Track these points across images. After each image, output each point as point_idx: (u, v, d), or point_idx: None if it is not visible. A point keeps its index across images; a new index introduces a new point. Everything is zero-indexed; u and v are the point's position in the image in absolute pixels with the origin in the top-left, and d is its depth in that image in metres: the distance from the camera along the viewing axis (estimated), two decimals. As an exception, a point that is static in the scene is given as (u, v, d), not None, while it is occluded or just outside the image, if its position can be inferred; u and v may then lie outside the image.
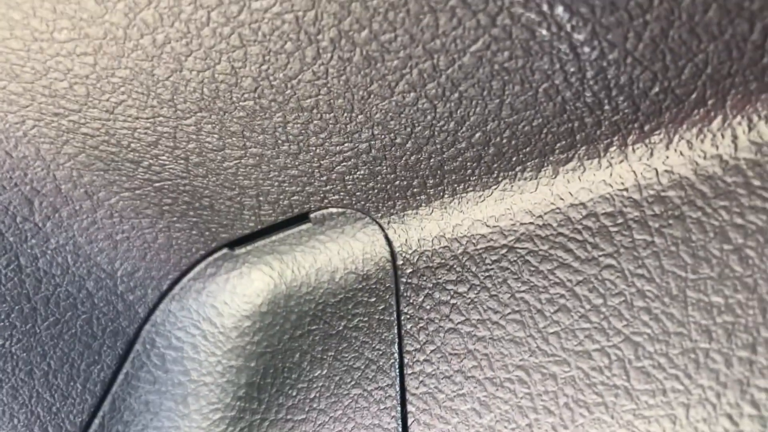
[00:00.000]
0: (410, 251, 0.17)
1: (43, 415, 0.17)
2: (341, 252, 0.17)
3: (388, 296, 0.17)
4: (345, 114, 0.15)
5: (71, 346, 0.17)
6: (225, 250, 0.18)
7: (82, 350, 0.17)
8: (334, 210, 0.17)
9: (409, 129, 0.15)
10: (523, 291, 0.15)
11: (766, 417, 0.13)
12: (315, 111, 0.15)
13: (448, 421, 0.16)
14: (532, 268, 0.15)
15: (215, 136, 0.15)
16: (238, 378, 0.17)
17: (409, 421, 0.16)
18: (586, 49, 0.13)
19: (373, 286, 0.17)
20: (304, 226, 0.17)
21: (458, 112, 0.15)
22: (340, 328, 0.17)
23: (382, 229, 0.17)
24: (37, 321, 0.16)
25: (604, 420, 0.14)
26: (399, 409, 0.16)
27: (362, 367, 0.17)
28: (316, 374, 0.17)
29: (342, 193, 0.17)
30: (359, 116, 0.15)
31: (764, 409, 0.13)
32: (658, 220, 0.15)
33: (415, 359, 0.16)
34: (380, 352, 0.17)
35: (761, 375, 0.14)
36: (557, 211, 0.15)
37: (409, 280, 0.16)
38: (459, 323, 0.16)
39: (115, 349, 0.17)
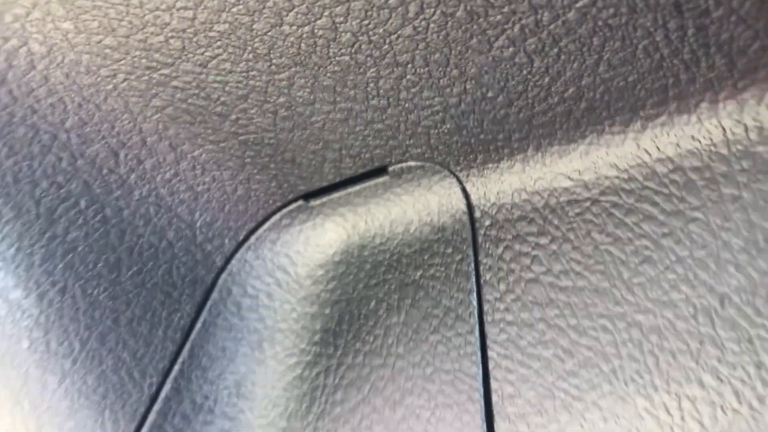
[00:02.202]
0: (489, 204, 0.17)
1: (128, 361, 0.17)
2: (416, 204, 0.17)
3: (465, 247, 0.17)
4: (439, 68, 0.15)
5: (153, 294, 0.17)
6: (300, 202, 0.18)
7: (163, 299, 0.17)
8: (413, 163, 0.17)
9: (502, 83, 0.15)
10: (608, 243, 0.16)
11: None
12: (410, 66, 0.15)
13: (529, 366, 0.16)
14: (617, 221, 0.16)
15: (307, 90, 0.15)
16: (312, 324, 0.18)
17: (491, 366, 0.16)
18: (691, 6, 0.13)
19: (450, 238, 0.17)
20: (381, 179, 0.18)
21: (554, 67, 0.15)
22: (416, 277, 0.17)
23: (460, 182, 0.17)
24: (121, 270, 0.17)
25: (690, 366, 0.15)
26: (479, 354, 0.16)
27: (440, 315, 0.17)
28: (392, 321, 0.18)
29: (424, 147, 0.17)
30: (453, 71, 0.15)
31: None
32: (746, 174, 0.15)
33: (495, 308, 0.16)
34: (458, 301, 0.17)
35: None
36: (643, 165, 0.16)
37: (488, 232, 0.17)
38: (541, 274, 0.16)
39: (194, 297, 0.18)
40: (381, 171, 0.18)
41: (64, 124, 0.17)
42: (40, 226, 0.16)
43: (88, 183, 0.17)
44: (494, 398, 0.17)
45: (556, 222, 0.17)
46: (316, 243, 0.19)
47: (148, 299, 0.18)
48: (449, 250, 0.18)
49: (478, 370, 0.17)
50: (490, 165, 0.17)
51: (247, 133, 0.17)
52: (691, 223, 0.16)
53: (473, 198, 0.17)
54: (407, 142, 0.17)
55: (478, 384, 0.17)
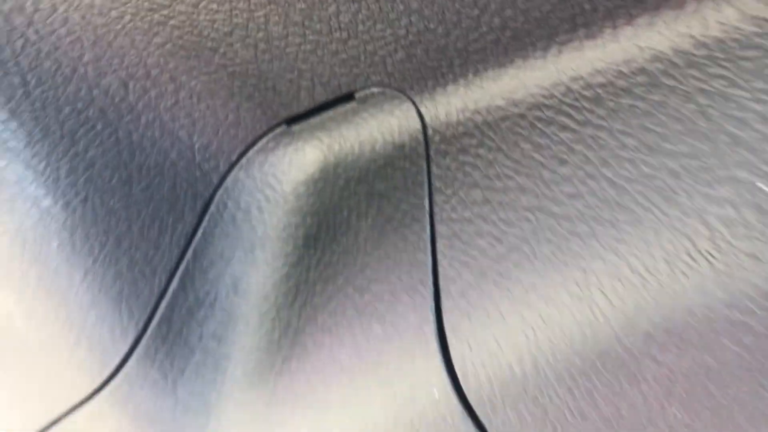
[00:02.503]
0: (439, 123, 0.21)
1: (140, 261, 0.21)
2: (380, 126, 0.21)
3: (420, 161, 0.21)
4: (388, 4, 0.19)
5: (160, 205, 0.21)
6: (283, 127, 0.21)
7: (168, 209, 0.21)
8: (375, 90, 0.21)
9: (440, 16, 0.19)
10: (532, 150, 0.19)
11: (715, 234, 0.18)
12: (363, 2, 0.18)
13: (468, 254, 0.20)
14: (539, 131, 0.19)
15: (280, 25, 0.19)
16: (296, 232, 0.21)
17: (439, 256, 0.20)
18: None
19: (407, 153, 0.21)
20: (349, 105, 0.21)
21: (481, 1, 0.18)
22: (381, 188, 0.21)
23: (415, 105, 0.21)
24: (133, 184, 0.20)
25: (593, 245, 0.18)
26: (429, 247, 0.20)
27: (400, 217, 0.21)
28: (361, 225, 0.21)
29: (383, 74, 0.20)
30: (400, 6, 0.19)
31: (714, 229, 0.18)
32: (640, 87, 0.19)
33: (442, 209, 0.20)
34: (414, 205, 0.21)
35: (716, 204, 0.19)
36: (561, 83, 0.19)
37: (438, 147, 0.20)
38: (479, 178, 0.20)
39: (195, 209, 0.21)
40: (349, 97, 0.22)
41: (82, 59, 0.20)
42: (64, 146, 0.20)
43: (103, 109, 0.20)
44: (441, 282, 0.21)
45: (491, 135, 0.20)
46: (297, 163, 0.22)
47: (155, 209, 0.21)
48: (407, 164, 0.22)
49: (429, 260, 0.21)
50: (439, 89, 0.21)
51: (234, 65, 0.20)
52: (598, 130, 0.19)
53: (426, 118, 0.21)
54: (368, 70, 0.21)
55: (429, 271, 0.21)
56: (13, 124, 0.19)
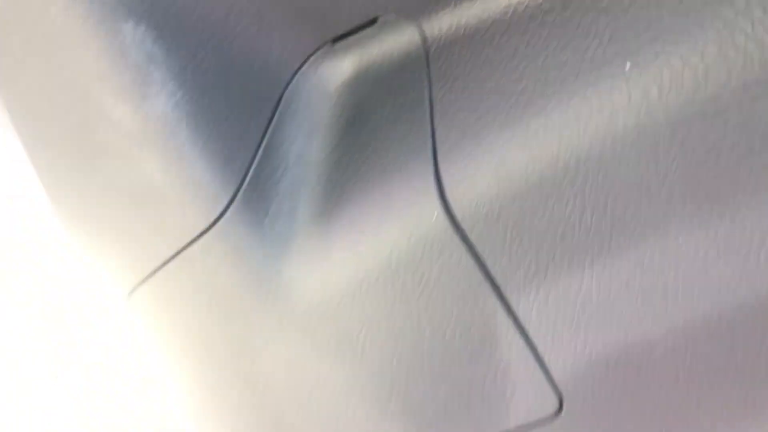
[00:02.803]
0: (440, 40, 0.31)
1: (238, 137, 0.31)
2: (395, 41, 0.31)
3: (422, 62, 0.31)
4: None
5: (249, 100, 0.31)
6: (329, 45, 0.32)
7: (254, 102, 0.31)
8: (391, 16, 0.31)
9: None
10: (525, 55, 0.29)
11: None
12: None
13: (462, 113, 0.29)
14: (532, 37, 0.28)
15: None
16: (340, 118, 0.32)
17: (436, 123, 0.30)
18: None
19: (414, 58, 0.31)
20: (374, 27, 0.32)
21: None
22: (396, 84, 0.31)
23: (419, 26, 0.31)
24: (231, 84, 0.31)
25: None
26: (429, 118, 0.30)
27: (410, 102, 0.31)
28: (384, 110, 0.31)
29: (397, 5, 0.31)
30: None
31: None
32: None
33: (443, 109, 0.30)
34: (418, 90, 0.31)
35: None
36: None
37: (438, 61, 0.30)
38: (474, 82, 0.30)
39: (271, 103, 0.32)
40: (373, 21, 0.32)
41: None
42: (189, 55, 0.31)
43: (214, 31, 0.31)
44: (438, 143, 0.31)
45: (488, 48, 0.30)
46: (339, 71, 0.33)
47: (245, 102, 0.32)
48: (414, 66, 0.32)
49: (428, 127, 0.31)
50: (441, 11, 0.31)
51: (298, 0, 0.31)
52: (580, 36, 0.28)
53: (427, 33, 0.31)
54: (387, 3, 0.31)
55: (428, 133, 0.31)
56: (160, 42, 0.30)
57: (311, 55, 0.31)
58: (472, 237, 0.28)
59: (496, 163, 0.27)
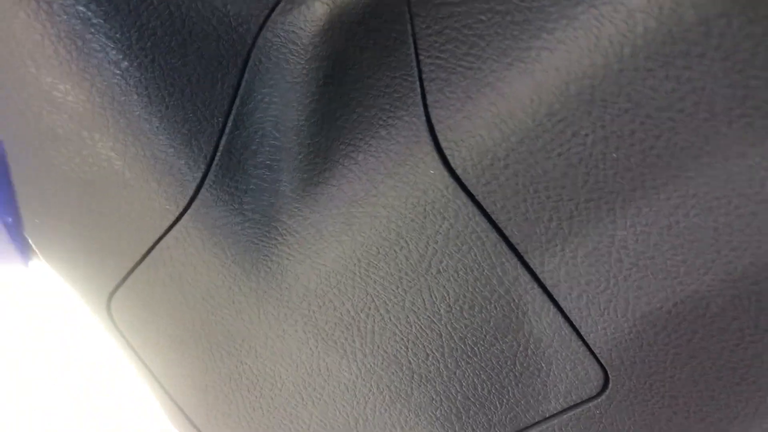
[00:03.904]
0: None
1: (201, 106, 0.27)
2: None
3: (403, 4, 0.26)
4: None
5: (210, 63, 0.27)
6: None
7: (217, 66, 0.27)
8: None
9: None
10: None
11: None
12: None
13: (445, 55, 0.25)
14: None
15: None
16: (317, 74, 0.27)
17: (422, 65, 0.25)
18: None
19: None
20: None
21: None
22: (375, 24, 0.27)
23: None
24: (187, 47, 0.27)
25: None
26: (414, 58, 0.25)
27: (391, 43, 0.26)
28: (364, 56, 0.27)
29: None
30: None
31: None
32: None
33: (428, 45, 0.25)
34: (400, 31, 0.26)
35: None
36: None
37: (420, 9, 0.26)
38: (460, 4, 0.25)
39: (237, 65, 0.28)
40: None
41: None
42: (132, 19, 0.26)
43: None
44: (426, 84, 0.26)
45: None
46: (310, 18, 0.29)
47: (207, 66, 0.28)
48: (393, 1, 0.27)
49: (415, 70, 0.26)
50: None
51: None
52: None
53: None
54: None
55: (416, 79, 0.26)
56: (93, 5, 0.26)
57: (276, 4, 0.27)
58: (479, 191, 0.24)
59: (495, 99, 0.22)
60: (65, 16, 0.25)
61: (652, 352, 0.26)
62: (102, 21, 0.25)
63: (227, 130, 0.28)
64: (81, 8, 0.25)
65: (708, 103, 0.21)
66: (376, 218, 0.27)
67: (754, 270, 0.23)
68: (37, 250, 0.32)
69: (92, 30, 0.25)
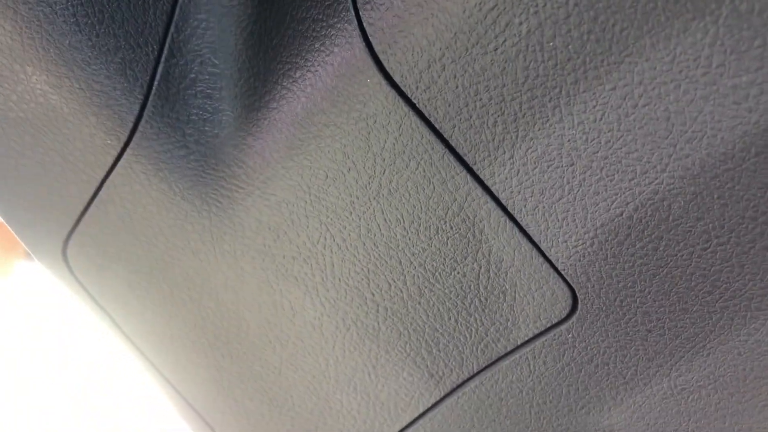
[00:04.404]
0: None
1: (134, 34, 0.26)
2: None
3: None
4: None
5: None
6: None
7: None
8: None
9: None
10: None
11: None
12: None
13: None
14: None
15: None
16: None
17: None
18: None
19: None
20: None
21: None
22: None
23: None
24: None
25: None
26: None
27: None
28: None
29: None
30: None
31: None
32: None
33: None
34: None
35: None
36: None
37: None
38: None
39: None
40: None
41: None
42: None
43: None
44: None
45: None
46: None
47: None
48: None
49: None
50: None
51: None
52: None
53: None
54: None
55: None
56: None
57: None
58: (419, 98, 0.22)
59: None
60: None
61: (618, 264, 0.25)
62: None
63: (163, 58, 0.27)
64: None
65: None
66: (320, 138, 0.26)
67: (711, 162, 0.21)
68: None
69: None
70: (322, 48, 0.25)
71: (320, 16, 0.25)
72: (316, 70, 0.25)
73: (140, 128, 0.27)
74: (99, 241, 0.31)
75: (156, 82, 0.27)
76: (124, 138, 0.27)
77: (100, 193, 0.29)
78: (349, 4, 0.24)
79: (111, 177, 0.28)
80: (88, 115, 0.27)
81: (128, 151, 0.28)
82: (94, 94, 0.26)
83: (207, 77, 0.27)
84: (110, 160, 0.28)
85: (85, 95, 0.26)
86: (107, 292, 0.33)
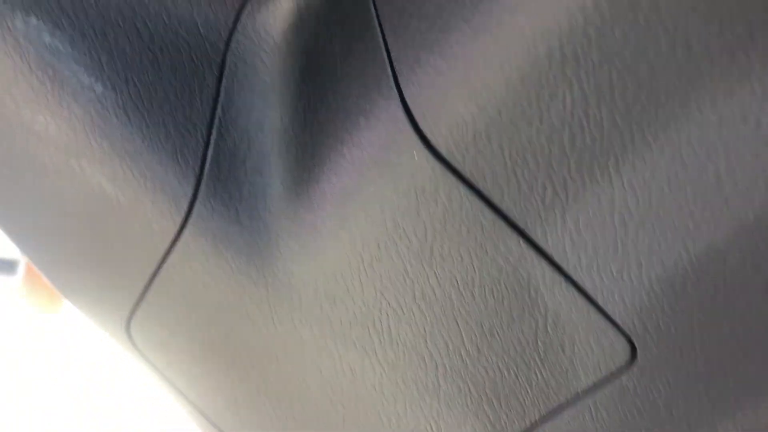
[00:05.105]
0: None
1: (182, 121, 0.27)
2: None
3: None
4: None
5: (185, 75, 0.27)
6: None
7: (192, 77, 0.27)
8: None
9: None
10: None
11: None
12: None
13: (412, 30, 0.24)
14: None
15: None
16: (293, 70, 0.27)
17: (397, 68, 0.24)
18: None
19: None
20: None
21: None
22: (341, 11, 0.26)
23: None
24: (159, 62, 0.26)
25: None
26: (381, 37, 0.24)
27: (357, 28, 0.25)
28: (334, 46, 0.26)
29: None
30: None
31: None
32: None
33: (393, 25, 0.25)
34: (364, 9, 0.25)
35: None
36: None
37: None
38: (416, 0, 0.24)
39: (213, 73, 0.27)
40: None
41: None
42: (99, 42, 0.26)
43: (120, 10, 0.27)
44: (396, 65, 0.25)
45: None
46: (279, 15, 0.28)
47: (183, 79, 0.28)
48: None
49: (383, 49, 0.25)
50: None
51: None
52: None
53: None
54: None
55: (384, 58, 0.25)
56: (58, 33, 0.26)
57: (242, 7, 0.26)
58: (466, 170, 0.23)
59: (465, 71, 0.21)
60: (32, 48, 0.25)
61: (676, 315, 0.25)
62: (69, 48, 0.25)
63: (212, 140, 0.28)
64: (47, 38, 0.25)
65: (684, 43, 0.20)
66: (370, 210, 0.26)
67: (766, 215, 0.21)
68: (53, 287, 0.32)
69: (61, 58, 0.25)
70: (366, 124, 0.25)
71: (362, 93, 0.25)
72: (362, 145, 0.26)
73: (195, 210, 0.28)
74: (160, 317, 0.32)
75: (207, 164, 0.28)
76: (179, 220, 0.28)
77: (160, 272, 0.30)
78: (391, 81, 0.24)
79: (169, 257, 0.29)
80: (144, 202, 0.28)
81: (185, 232, 0.28)
82: (148, 182, 0.27)
83: (256, 154, 0.28)
84: (167, 242, 0.29)
85: (139, 184, 0.27)
86: (170, 362, 0.34)
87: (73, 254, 0.31)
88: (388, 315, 0.29)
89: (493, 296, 0.27)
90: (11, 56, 0.25)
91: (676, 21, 0.19)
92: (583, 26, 0.21)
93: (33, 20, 0.25)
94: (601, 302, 0.26)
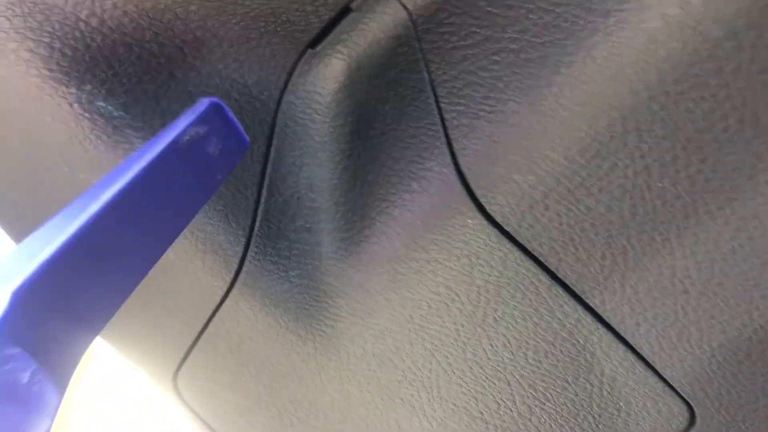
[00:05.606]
0: (419, 8, 0.25)
1: (234, 181, 0.27)
2: (379, 26, 0.26)
3: (413, 42, 0.25)
4: None
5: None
6: (309, 51, 0.27)
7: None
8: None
9: None
10: (514, 7, 0.23)
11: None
12: None
13: (467, 101, 0.24)
14: None
15: None
16: (343, 130, 0.27)
17: (444, 112, 0.24)
18: None
19: (404, 40, 0.25)
20: (351, 16, 0.26)
21: None
22: (392, 75, 0.26)
23: (399, 1, 0.25)
24: None
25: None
26: (435, 106, 0.24)
27: (410, 93, 0.25)
28: (386, 108, 0.26)
29: None
30: None
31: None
32: None
33: (447, 91, 0.24)
34: (418, 79, 0.25)
35: None
36: None
37: (423, 26, 0.25)
38: (473, 48, 0.24)
39: (264, 133, 0.27)
40: (347, 9, 0.27)
41: (144, 37, 0.27)
42: (151, 106, 0.27)
43: (172, 73, 0.27)
44: (450, 132, 0.25)
45: (481, 2, 0.24)
46: (329, 76, 0.28)
47: None
48: (405, 49, 0.26)
49: (437, 118, 0.25)
50: None
51: (251, 10, 0.26)
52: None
53: (409, 7, 0.26)
54: None
55: (440, 127, 0.25)
56: (112, 99, 0.26)
57: (293, 67, 0.26)
58: (523, 236, 0.22)
59: (522, 141, 0.21)
60: (87, 114, 0.25)
61: (738, 382, 0.24)
62: (123, 113, 0.25)
63: (262, 199, 0.27)
64: (100, 104, 0.25)
65: (753, 119, 0.19)
66: (421, 273, 0.26)
67: None
68: (106, 341, 0.32)
69: (115, 123, 0.25)
70: (419, 188, 0.25)
71: (416, 158, 0.25)
72: (414, 210, 0.25)
73: (244, 268, 0.28)
74: (207, 372, 0.32)
75: (257, 223, 0.28)
76: (229, 279, 0.28)
77: (208, 328, 0.30)
78: (446, 148, 0.24)
79: (218, 314, 0.29)
80: (195, 260, 0.28)
81: (234, 290, 0.28)
82: (199, 242, 0.27)
83: (305, 212, 0.28)
84: (217, 299, 0.29)
85: (190, 243, 0.27)
86: (216, 414, 0.34)
87: (125, 310, 0.31)
88: (437, 374, 0.29)
89: (547, 359, 0.27)
90: (66, 123, 0.26)
91: (744, 98, 0.19)
92: (646, 101, 0.20)
93: (87, 86, 0.25)
94: (659, 368, 0.25)
